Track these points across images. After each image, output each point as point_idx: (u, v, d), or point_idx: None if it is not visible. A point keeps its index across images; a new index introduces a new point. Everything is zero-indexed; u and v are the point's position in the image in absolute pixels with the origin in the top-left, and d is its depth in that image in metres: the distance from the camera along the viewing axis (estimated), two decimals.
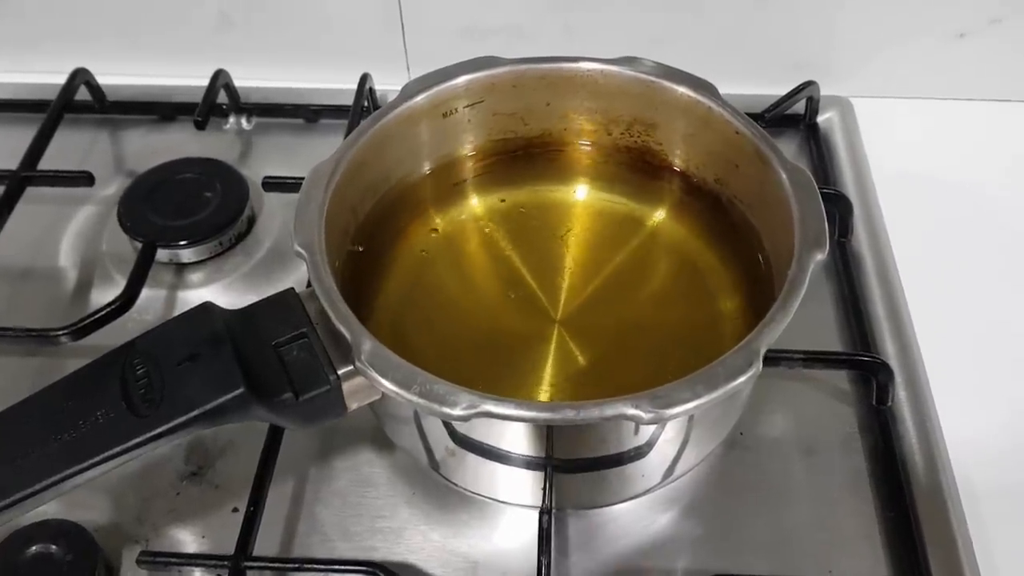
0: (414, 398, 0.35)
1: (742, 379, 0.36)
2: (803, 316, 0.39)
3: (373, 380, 0.36)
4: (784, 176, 0.43)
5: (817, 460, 0.49)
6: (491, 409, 0.35)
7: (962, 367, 0.53)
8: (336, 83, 0.68)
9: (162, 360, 0.38)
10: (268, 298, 0.41)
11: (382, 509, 0.48)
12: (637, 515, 0.47)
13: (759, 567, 0.45)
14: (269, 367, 0.38)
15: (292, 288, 0.41)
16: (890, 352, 0.53)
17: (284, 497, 0.48)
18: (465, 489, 0.46)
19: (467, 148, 0.52)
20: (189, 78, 0.67)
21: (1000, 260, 0.60)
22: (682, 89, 0.47)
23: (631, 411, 0.35)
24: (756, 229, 0.47)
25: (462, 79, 0.48)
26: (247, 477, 0.46)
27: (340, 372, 0.38)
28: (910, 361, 0.52)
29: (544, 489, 0.42)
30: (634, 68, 0.48)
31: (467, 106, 0.49)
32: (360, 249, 0.46)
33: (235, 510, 0.47)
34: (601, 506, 0.46)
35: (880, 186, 0.62)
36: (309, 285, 0.40)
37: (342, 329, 0.37)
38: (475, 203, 0.52)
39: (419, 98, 0.47)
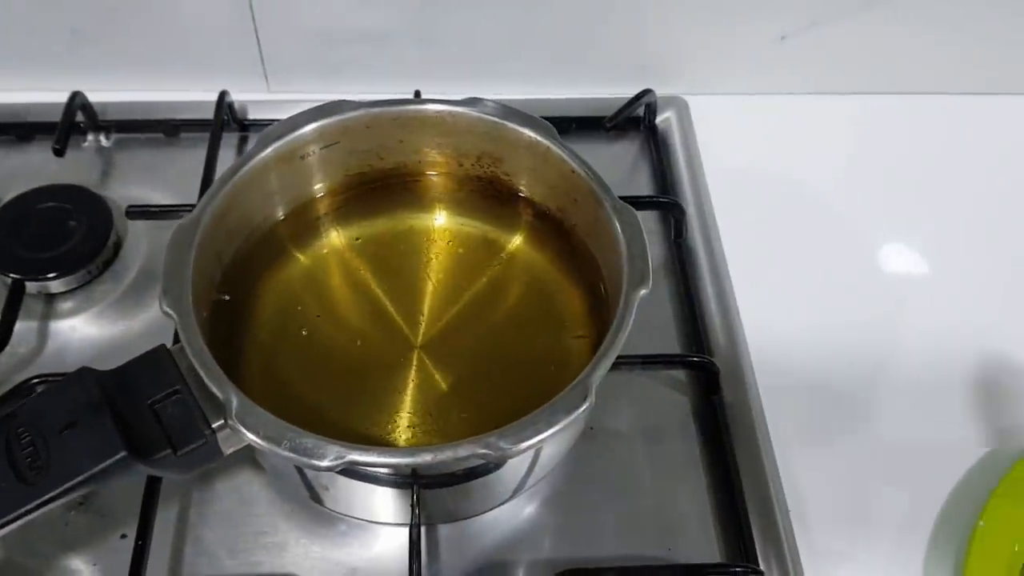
0: (285, 453, 0.39)
1: (577, 413, 0.41)
2: (644, 312, 0.45)
3: (246, 438, 0.39)
4: (614, 217, 0.47)
5: (658, 446, 0.55)
6: (356, 458, 0.39)
7: (788, 355, 0.60)
8: (195, 92, 0.69)
9: (45, 428, 0.40)
10: (141, 356, 0.43)
11: (264, 526, 0.51)
12: (501, 512, 0.52)
13: (609, 549, 0.51)
14: (147, 426, 0.41)
15: (163, 345, 0.43)
16: (720, 345, 0.59)
17: (169, 522, 0.51)
18: (338, 513, 0.50)
19: (325, 185, 0.54)
20: (43, 92, 0.67)
21: (822, 250, 0.66)
22: (522, 129, 0.51)
23: (481, 451, 0.39)
24: (595, 258, 0.51)
25: (315, 125, 0.50)
26: (132, 504, 0.49)
27: (214, 426, 0.41)
28: (736, 354, 0.59)
29: (412, 506, 0.47)
30: (479, 109, 0.51)
31: (323, 148, 0.51)
32: (227, 298, 0.49)
33: (123, 536, 0.50)
34: (468, 517, 0.51)
35: (713, 180, 0.68)
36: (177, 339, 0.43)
37: (214, 390, 0.40)
38: (336, 236, 0.54)
39: (274, 146, 0.49)
